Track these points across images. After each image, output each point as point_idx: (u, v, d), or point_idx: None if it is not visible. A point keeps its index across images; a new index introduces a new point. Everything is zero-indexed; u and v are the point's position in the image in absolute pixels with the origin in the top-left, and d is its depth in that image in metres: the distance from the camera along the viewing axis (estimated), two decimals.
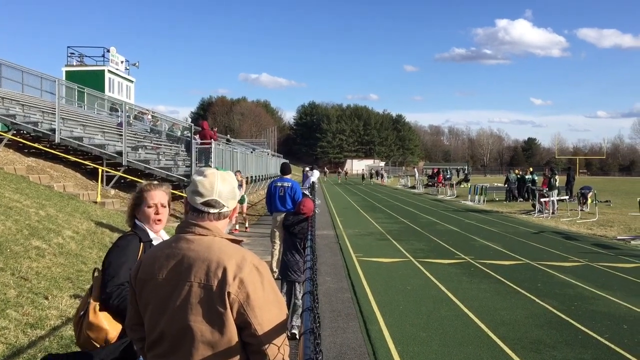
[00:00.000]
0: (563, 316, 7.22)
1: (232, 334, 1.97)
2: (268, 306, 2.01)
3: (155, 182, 3.30)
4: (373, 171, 77.48)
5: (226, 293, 1.95)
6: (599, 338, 6.30)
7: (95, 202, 13.54)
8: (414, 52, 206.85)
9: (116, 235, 10.37)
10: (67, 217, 10.35)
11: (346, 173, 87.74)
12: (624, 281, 9.59)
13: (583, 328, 6.68)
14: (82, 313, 2.97)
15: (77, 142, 16.20)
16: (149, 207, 3.13)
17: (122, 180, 16.25)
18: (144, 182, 3.35)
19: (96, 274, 3.07)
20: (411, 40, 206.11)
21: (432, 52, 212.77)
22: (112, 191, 15.62)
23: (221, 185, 2.11)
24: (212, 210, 2.10)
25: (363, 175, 72.20)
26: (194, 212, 2.13)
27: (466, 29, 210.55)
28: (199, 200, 2.10)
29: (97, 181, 15.14)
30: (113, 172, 15.90)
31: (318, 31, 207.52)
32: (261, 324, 1.98)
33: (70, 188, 13.89)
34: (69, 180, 14.80)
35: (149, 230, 3.12)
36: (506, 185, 31.14)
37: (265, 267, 2.11)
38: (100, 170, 15.09)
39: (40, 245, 7.97)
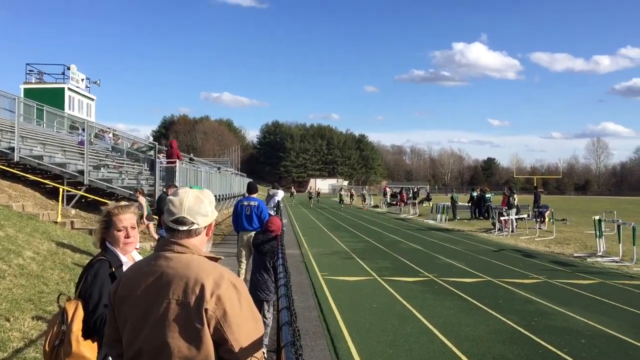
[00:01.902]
0: (524, 331, 7.42)
1: (209, 350, 2.01)
2: (245, 322, 2.06)
3: (123, 204, 3.25)
4: (352, 191, 60.05)
5: (203, 310, 2.00)
6: (558, 352, 6.50)
7: (56, 222, 13.26)
8: (374, 73, 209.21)
9: (78, 256, 10.18)
10: (27, 237, 10.11)
11: (318, 193, 64.06)
12: (581, 297, 9.91)
13: (543, 343, 6.88)
14: (57, 343, 2.89)
15: (36, 161, 15.88)
16: (119, 230, 3.10)
17: (83, 200, 15.96)
18: (110, 204, 3.29)
19: (62, 299, 3.00)
20: (371, 61, 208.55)
21: (391, 74, 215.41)
22: (73, 211, 15.32)
23: (190, 202, 2.16)
24: (181, 228, 2.15)
25: (340, 198, 53.23)
26: (168, 230, 2.19)
27: (424, 52, 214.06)
28: (170, 218, 2.16)
29: (57, 201, 14.83)
30: (74, 191, 15.61)
31: (278, 51, 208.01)
32: (238, 340, 2.02)
33: (29, 208, 13.57)
34: (28, 199, 14.46)
35: (119, 254, 3.09)
36: (469, 204, 32.14)
37: (242, 284, 2.16)
38: (60, 190, 14.80)
39: (0, 267, 7.77)
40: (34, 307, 6.80)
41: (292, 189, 69.44)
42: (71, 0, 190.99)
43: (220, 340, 2.02)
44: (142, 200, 13.24)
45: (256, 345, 2.09)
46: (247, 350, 2.04)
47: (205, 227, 2.23)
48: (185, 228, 2.15)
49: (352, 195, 54.53)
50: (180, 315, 2.02)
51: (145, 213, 13.14)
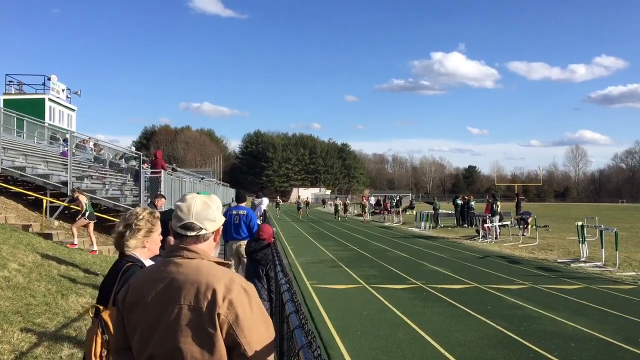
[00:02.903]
0: (514, 336, 7.50)
1: (222, 354, 2.02)
2: (256, 326, 2.08)
3: (154, 210, 3.33)
4: (347, 201, 48.76)
5: (216, 314, 2.01)
6: (549, 356, 6.58)
7: (39, 234, 13.07)
8: (354, 82, 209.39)
9: (63, 268, 10.05)
10: (12, 249, 9.96)
11: (307, 203, 53.36)
12: (567, 302, 10.03)
13: (534, 347, 6.96)
14: (104, 353, 2.85)
15: (19, 172, 15.65)
16: (161, 234, 3.22)
17: (67, 211, 15.76)
18: (144, 208, 3.34)
19: (93, 310, 2.97)
20: (351, 71, 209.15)
21: (371, 83, 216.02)
22: (56, 222, 15.13)
23: (198, 207, 2.18)
24: (190, 233, 2.16)
25: (336, 209, 45.64)
26: (176, 237, 2.20)
27: (403, 61, 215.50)
28: (178, 224, 2.17)
29: (40, 212, 14.64)
30: (57, 202, 15.42)
31: (258, 61, 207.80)
32: (250, 344, 2.04)
33: (12, 220, 13.39)
34: (11, 211, 14.25)
35: (142, 259, 3.12)
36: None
37: (252, 289, 2.17)
38: (44, 201, 14.61)
39: None
40: (22, 320, 6.69)
41: (278, 199, 63.53)
42: (50, 11, 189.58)
43: (233, 345, 2.03)
44: (83, 199, 13.13)
45: (268, 348, 2.10)
46: (259, 354, 2.05)
47: (213, 232, 2.24)
48: (193, 234, 2.16)
49: (346, 206, 46.44)
50: (192, 320, 2.03)
51: (88, 212, 13.00)
